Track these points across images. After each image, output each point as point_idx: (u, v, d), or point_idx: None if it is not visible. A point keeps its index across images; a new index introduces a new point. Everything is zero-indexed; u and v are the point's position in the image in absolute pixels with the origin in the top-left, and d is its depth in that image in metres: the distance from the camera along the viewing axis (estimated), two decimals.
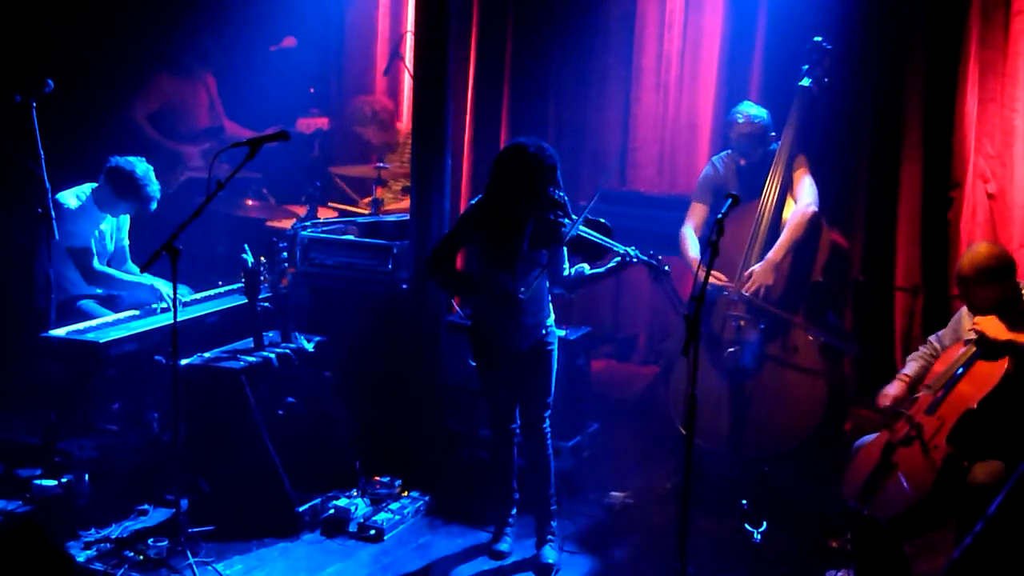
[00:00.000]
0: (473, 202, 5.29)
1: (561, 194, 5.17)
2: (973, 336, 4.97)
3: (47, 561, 3.87)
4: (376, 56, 8.38)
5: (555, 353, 5.37)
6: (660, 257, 5.21)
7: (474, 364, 5.52)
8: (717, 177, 6.27)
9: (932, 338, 5.37)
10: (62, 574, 3.95)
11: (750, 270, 5.97)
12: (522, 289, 5.13)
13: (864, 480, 4.97)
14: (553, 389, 5.40)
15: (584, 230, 5.17)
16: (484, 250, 5.26)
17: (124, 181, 6.16)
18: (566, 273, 5.35)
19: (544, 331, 5.33)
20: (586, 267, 5.33)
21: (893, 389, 5.22)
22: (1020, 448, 4.65)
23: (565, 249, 5.28)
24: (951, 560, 3.87)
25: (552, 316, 5.38)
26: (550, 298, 5.37)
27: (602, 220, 5.25)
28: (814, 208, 5.99)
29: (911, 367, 5.30)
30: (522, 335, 5.27)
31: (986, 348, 4.86)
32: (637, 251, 5.20)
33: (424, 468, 6.11)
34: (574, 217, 5.17)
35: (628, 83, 7.52)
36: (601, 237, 5.20)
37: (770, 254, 5.96)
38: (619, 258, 5.21)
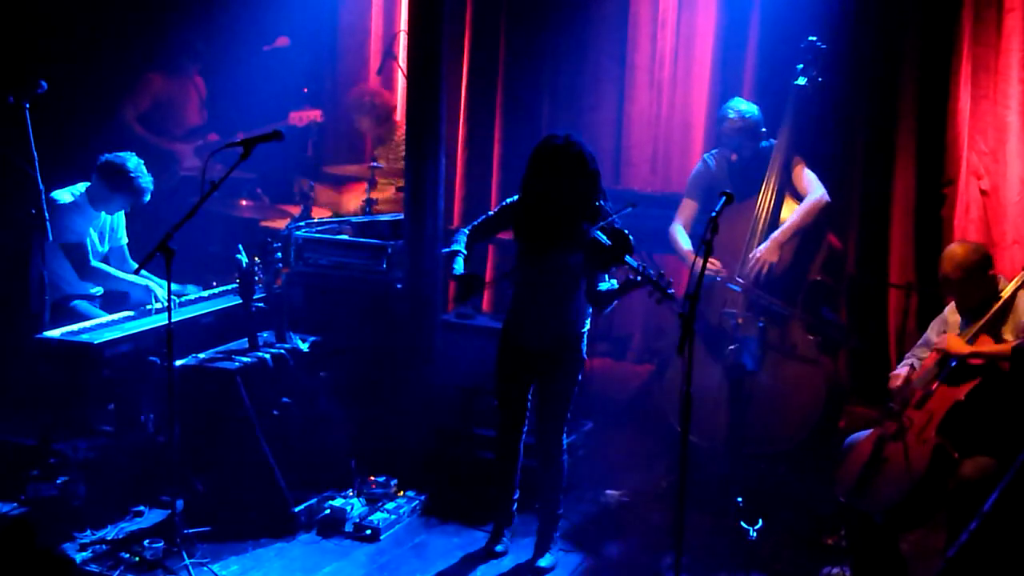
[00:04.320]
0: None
1: (601, 203, 5.07)
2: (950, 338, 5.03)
3: (40, 561, 3.87)
4: (369, 55, 8.36)
5: (578, 363, 5.29)
6: (670, 280, 4.91)
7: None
8: (709, 174, 6.27)
9: (922, 342, 5.39)
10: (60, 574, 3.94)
11: (754, 252, 5.97)
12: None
13: (856, 476, 4.99)
14: (572, 399, 5.35)
15: (599, 235, 5.00)
16: (518, 242, 5.26)
17: (116, 175, 6.17)
18: (600, 288, 5.18)
19: (569, 338, 5.24)
20: (615, 282, 5.18)
21: (904, 370, 5.23)
22: (1009, 443, 4.67)
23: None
24: (947, 558, 3.86)
25: (586, 326, 5.29)
26: (585, 308, 5.26)
27: (624, 231, 5.04)
28: (827, 198, 6.03)
29: (914, 361, 5.31)
30: (541, 335, 5.23)
31: (958, 367, 4.94)
32: (647, 267, 4.95)
33: (420, 467, 6.11)
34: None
35: (621, 82, 7.51)
36: (612, 247, 4.98)
37: (776, 233, 5.96)
38: (628, 276, 5.00)
